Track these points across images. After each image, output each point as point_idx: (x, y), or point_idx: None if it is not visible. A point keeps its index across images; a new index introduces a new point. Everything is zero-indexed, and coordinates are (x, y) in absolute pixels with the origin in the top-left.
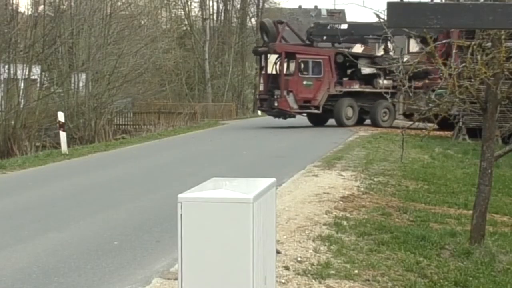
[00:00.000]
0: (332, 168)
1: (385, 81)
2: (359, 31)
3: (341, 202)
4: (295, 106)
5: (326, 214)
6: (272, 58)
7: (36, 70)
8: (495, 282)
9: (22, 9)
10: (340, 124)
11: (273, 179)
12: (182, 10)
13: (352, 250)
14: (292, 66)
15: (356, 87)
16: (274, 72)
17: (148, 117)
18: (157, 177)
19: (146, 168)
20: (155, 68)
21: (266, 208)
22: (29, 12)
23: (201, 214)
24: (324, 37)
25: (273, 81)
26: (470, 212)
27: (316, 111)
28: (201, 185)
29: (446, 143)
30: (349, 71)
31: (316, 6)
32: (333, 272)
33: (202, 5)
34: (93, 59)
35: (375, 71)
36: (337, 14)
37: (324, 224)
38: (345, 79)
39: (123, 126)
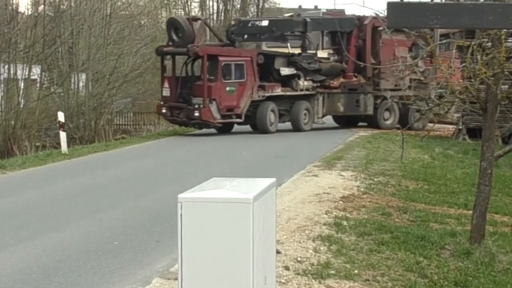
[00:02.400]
0: (332, 168)
1: (305, 82)
2: (279, 28)
3: (341, 202)
4: (218, 116)
5: (326, 214)
6: (181, 58)
7: (36, 70)
8: (495, 282)
9: (22, 9)
10: (264, 131)
11: (273, 179)
12: (182, 10)
13: (352, 250)
14: (213, 70)
15: (278, 90)
16: (184, 75)
17: (148, 117)
18: (157, 177)
19: (146, 168)
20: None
21: (266, 208)
22: (29, 12)
23: (201, 214)
24: (246, 36)
25: (183, 86)
26: (470, 212)
27: (238, 120)
28: (201, 185)
29: (446, 143)
30: (269, 73)
31: (316, 6)
32: (333, 272)
33: (202, 5)
34: (93, 59)
35: (294, 72)
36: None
37: (324, 224)
38: (267, 82)
39: (123, 126)
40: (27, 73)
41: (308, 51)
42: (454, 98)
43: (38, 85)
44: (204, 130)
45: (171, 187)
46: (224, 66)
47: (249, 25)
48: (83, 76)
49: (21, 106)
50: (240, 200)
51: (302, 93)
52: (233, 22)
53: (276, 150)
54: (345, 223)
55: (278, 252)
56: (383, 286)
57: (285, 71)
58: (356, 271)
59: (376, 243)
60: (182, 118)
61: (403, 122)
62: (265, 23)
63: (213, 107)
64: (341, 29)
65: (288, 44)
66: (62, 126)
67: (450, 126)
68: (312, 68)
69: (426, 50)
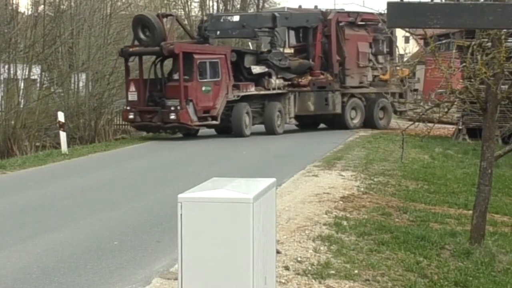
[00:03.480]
0: (332, 168)
1: (277, 81)
2: (250, 24)
3: (341, 202)
4: (195, 118)
5: (326, 214)
6: (148, 59)
7: (36, 70)
8: (495, 282)
9: (22, 9)
10: (239, 134)
11: (273, 179)
12: (182, 10)
13: (352, 250)
14: (188, 69)
15: (252, 90)
16: (152, 76)
17: None
18: (157, 177)
19: (146, 168)
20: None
21: (266, 208)
22: (29, 12)
23: (201, 214)
24: (218, 32)
25: (153, 88)
26: (470, 212)
27: (214, 122)
28: (201, 185)
29: (446, 143)
30: (239, 72)
31: (316, 6)
32: (333, 272)
33: (202, 5)
34: (93, 59)
35: (265, 70)
36: None
37: (324, 224)
38: (238, 81)
39: (123, 126)
40: (27, 73)
41: (278, 48)
42: (454, 98)
43: (38, 85)
44: (201, 132)
45: (171, 187)
46: (199, 64)
47: (221, 20)
48: (83, 76)
49: (21, 106)
50: (240, 200)
51: (274, 92)
52: (205, 18)
53: (276, 150)
54: (345, 223)
55: (278, 252)
56: (383, 286)
57: (256, 69)
58: (356, 271)
59: (376, 243)
60: (156, 123)
61: (368, 121)
62: (236, 18)
63: (190, 109)
64: (307, 24)
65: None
66: (62, 126)
67: (450, 126)
68: (283, 65)
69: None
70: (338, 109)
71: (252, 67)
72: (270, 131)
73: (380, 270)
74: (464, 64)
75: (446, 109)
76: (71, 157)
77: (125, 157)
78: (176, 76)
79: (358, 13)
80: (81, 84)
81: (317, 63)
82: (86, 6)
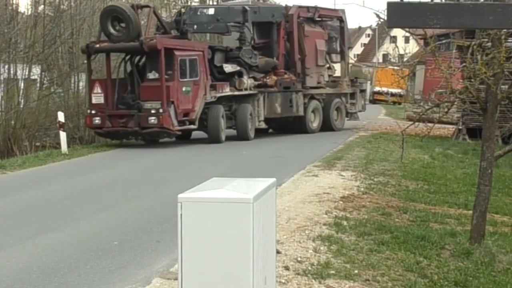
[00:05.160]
0: (332, 168)
1: (249, 81)
2: (223, 17)
3: (341, 202)
4: (175, 123)
5: (326, 214)
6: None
7: (36, 70)
8: (495, 282)
9: (22, 9)
10: (216, 139)
11: (273, 179)
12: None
13: (352, 250)
14: (168, 67)
15: (227, 90)
16: (122, 76)
17: None
18: (157, 177)
19: (146, 168)
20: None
21: (266, 208)
22: (29, 12)
23: (201, 214)
24: (195, 26)
25: (123, 89)
26: (470, 212)
27: (192, 127)
28: (201, 185)
29: (446, 143)
30: (211, 70)
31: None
32: (333, 272)
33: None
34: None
35: (237, 68)
36: None
37: (324, 224)
38: (218, 82)
39: None
40: (27, 73)
41: (247, 45)
42: (454, 98)
43: (38, 85)
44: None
45: (171, 187)
46: (180, 62)
47: (198, 13)
48: (83, 76)
49: (21, 106)
50: (240, 200)
51: (246, 92)
52: (183, 10)
53: (276, 150)
54: (345, 223)
55: (278, 252)
56: (383, 286)
57: (228, 68)
58: (356, 271)
59: (376, 243)
60: (133, 128)
61: (324, 123)
62: (211, 11)
63: (172, 112)
64: (273, 19)
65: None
66: (62, 126)
67: (450, 126)
68: (253, 64)
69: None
70: (301, 111)
71: (224, 65)
72: (243, 136)
73: (380, 270)
74: (464, 64)
75: (446, 109)
76: (71, 157)
77: (125, 157)
78: (151, 75)
79: (316, 8)
80: (81, 84)
81: (281, 62)
82: (86, 6)
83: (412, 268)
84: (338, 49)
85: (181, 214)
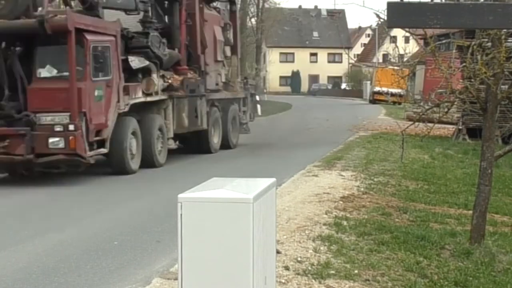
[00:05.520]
0: (332, 168)
1: (160, 81)
2: None
3: (341, 202)
4: (87, 146)
5: (326, 214)
6: None
7: None
8: (495, 282)
9: None
10: (121, 168)
11: (273, 179)
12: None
13: (352, 250)
14: (77, 58)
15: (140, 95)
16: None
17: None
18: (157, 176)
19: (145, 167)
20: None
21: (266, 208)
22: None
23: (201, 214)
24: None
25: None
26: (470, 212)
27: (103, 151)
28: (201, 185)
29: (446, 143)
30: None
31: (316, 6)
32: (333, 272)
33: None
34: None
35: (146, 63)
36: (337, 14)
37: (324, 224)
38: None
39: None
40: None
41: (154, 30)
42: (454, 98)
43: None
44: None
45: (171, 187)
46: (93, 51)
47: None
48: None
49: None
50: (240, 200)
51: (157, 98)
52: None
53: (276, 150)
54: (345, 223)
55: (278, 252)
56: (383, 286)
57: (136, 62)
58: (356, 271)
59: (376, 243)
60: (23, 156)
61: (222, 138)
62: None
63: (84, 129)
64: None
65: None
66: None
67: (450, 126)
68: (164, 56)
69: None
70: (205, 124)
71: (130, 58)
72: (150, 163)
73: (380, 270)
74: (464, 64)
75: (446, 109)
76: None
77: None
78: (45, 72)
79: None
80: None
81: (184, 55)
82: None
83: (412, 268)
84: (232, 40)
85: (181, 214)
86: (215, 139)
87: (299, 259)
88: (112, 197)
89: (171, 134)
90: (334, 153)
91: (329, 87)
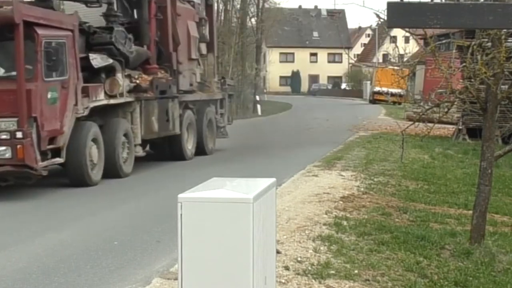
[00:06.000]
0: (332, 168)
1: (125, 81)
2: None
3: (341, 202)
4: (38, 156)
5: (326, 214)
6: None
7: None
8: (495, 282)
9: None
10: (80, 180)
11: (273, 179)
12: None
13: (352, 250)
14: (26, 56)
15: (101, 97)
16: None
17: None
18: (156, 177)
19: (145, 167)
20: None
21: (266, 208)
22: None
23: (201, 214)
24: None
25: None
26: (470, 212)
27: (59, 161)
28: (201, 185)
29: (446, 143)
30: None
31: (316, 6)
32: (333, 272)
33: None
34: None
35: (110, 61)
36: (337, 14)
37: (324, 224)
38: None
39: None
40: None
41: (118, 23)
42: (454, 98)
43: None
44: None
45: (171, 187)
46: (46, 47)
47: None
48: None
49: None
50: (240, 200)
51: (123, 100)
52: None
53: (276, 150)
54: (345, 223)
55: (278, 252)
56: (383, 286)
57: (97, 60)
58: (356, 271)
59: (376, 243)
60: None
61: (197, 143)
62: None
63: (35, 136)
64: None
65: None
66: None
67: (450, 126)
68: (130, 54)
69: (427, 50)
70: (177, 128)
71: (91, 55)
72: (114, 173)
73: (380, 270)
74: (464, 64)
75: (446, 109)
76: None
77: None
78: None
79: None
80: None
81: (153, 52)
82: None
83: (412, 268)
84: (208, 36)
85: (181, 214)
86: (189, 145)
87: (299, 259)
88: (112, 196)
89: (139, 140)
90: (334, 153)
91: (329, 87)
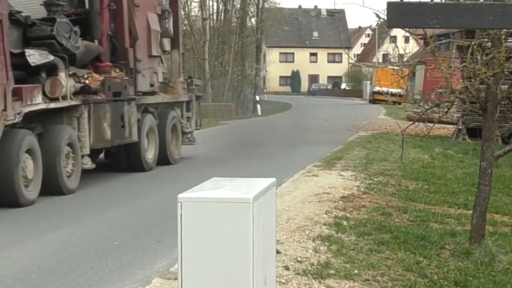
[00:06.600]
0: (332, 168)
1: (69, 81)
2: None
3: (341, 202)
4: None
5: (326, 214)
6: None
7: None
8: (495, 282)
9: None
10: (14, 201)
11: (273, 179)
12: (182, 10)
13: (352, 250)
14: None
15: (39, 100)
16: None
17: None
18: (156, 177)
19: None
20: None
21: (266, 208)
22: None
23: (201, 214)
24: None
25: None
26: (470, 212)
27: None
28: (201, 185)
29: (446, 143)
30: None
31: (316, 6)
32: (333, 272)
33: (202, 5)
34: None
35: (50, 59)
36: (337, 14)
37: (324, 224)
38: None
39: None
40: None
41: (61, 13)
42: (454, 98)
43: None
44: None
45: (171, 187)
46: None
47: None
48: None
49: None
50: (240, 200)
51: (66, 103)
52: None
53: (276, 150)
54: (345, 223)
55: (278, 252)
56: (383, 286)
57: (35, 56)
58: (356, 271)
59: (376, 243)
60: None
61: (160, 151)
62: None
63: None
64: None
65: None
66: None
67: (450, 126)
68: (75, 49)
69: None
70: (135, 135)
71: (26, 51)
72: (54, 189)
73: (380, 270)
74: (464, 64)
75: (446, 109)
76: None
77: None
78: None
79: None
80: None
81: (106, 48)
82: None
83: (412, 268)
84: (171, 31)
85: (181, 214)
86: (150, 154)
87: (299, 259)
88: (112, 196)
89: (87, 151)
90: (334, 153)
91: (329, 87)
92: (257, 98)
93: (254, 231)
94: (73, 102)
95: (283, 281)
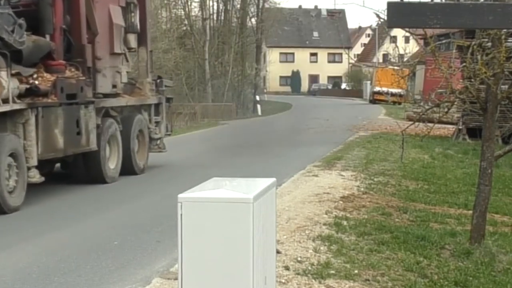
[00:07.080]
0: (332, 168)
1: (11, 82)
2: None
3: (341, 202)
4: None
5: (326, 214)
6: None
7: None
8: (495, 282)
9: None
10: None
11: (273, 179)
12: (182, 10)
13: (352, 250)
14: None
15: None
16: None
17: None
18: (156, 177)
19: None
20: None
21: (266, 208)
22: None
23: (201, 214)
24: None
25: None
26: (470, 212)
27: None
28: (201, 185)
29: (446, 143)
30: None
31: (316, 6)
32: (333, 272)
33: (202, 5)
34: None
35: None
36: (337, 14)
37: (324, 224)
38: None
39: None
40: None
41: (3, 3)
42: (454, 98)
43: None
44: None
45: (171, 187)
46: None
47: None
48: None
49: None
50: (240, 200)
51: (8, 108)
52: None
53: (276, 149)
54: (345, 223)
55: (278, 252)
56: (383, 286)
57: None
58: (356, 271)
59: (376, 243)
60: None
61: (123, 160)
62: None
63: None
64: None
65: None
66: None
67: (450, 126)
68: (20, 45)
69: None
70: (94, 143)
71: None
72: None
73: (380, 270)
74: (464, 64)
75: (446, 109)
76: None
77: None
78: None
79: None
80: None
81: (59, 44)
82: None
83: (412, 268)
84: (138, 26)
85: (181, 214)
86: (112, 164)
87: (299, 259)
88: (112, 196)
89: (34, 162)
90: (334, 153)
91: (329, 87)
92: (257, 98)
93: (254, 231)
94: (17, 106)
95: (283, 281)
